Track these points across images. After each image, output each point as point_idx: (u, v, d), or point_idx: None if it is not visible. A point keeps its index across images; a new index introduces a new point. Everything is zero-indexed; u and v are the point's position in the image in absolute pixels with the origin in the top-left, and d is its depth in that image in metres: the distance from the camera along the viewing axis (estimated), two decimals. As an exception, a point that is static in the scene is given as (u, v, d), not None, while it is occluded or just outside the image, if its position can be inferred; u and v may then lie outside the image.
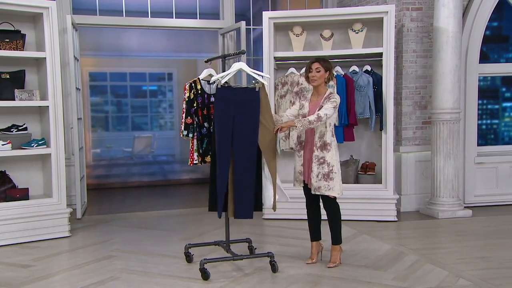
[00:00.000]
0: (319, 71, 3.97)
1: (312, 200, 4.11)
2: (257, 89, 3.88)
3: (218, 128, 3.81)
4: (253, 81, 3.93)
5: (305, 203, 4.17)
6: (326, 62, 4.02)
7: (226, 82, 3.90)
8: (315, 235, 4.18)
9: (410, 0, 6.09)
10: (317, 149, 3.96)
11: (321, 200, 4.10)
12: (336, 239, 4.07)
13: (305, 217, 4.20)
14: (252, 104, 3.85)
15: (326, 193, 3.95)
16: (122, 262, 4.24)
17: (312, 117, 3.82)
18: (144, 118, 12.59)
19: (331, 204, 4.02)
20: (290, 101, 5.83)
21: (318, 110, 3.92)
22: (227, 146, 3.80)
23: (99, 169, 10.36)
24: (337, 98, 3.96)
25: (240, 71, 3.99)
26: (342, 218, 4.09)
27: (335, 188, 3.95)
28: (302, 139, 4.06)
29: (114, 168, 10.53)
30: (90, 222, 5.79)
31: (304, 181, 4.08)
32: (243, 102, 3.84)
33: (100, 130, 11.95)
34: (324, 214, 4.10)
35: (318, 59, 4.03)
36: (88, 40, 8.93)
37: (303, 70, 5.79)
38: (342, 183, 4.08)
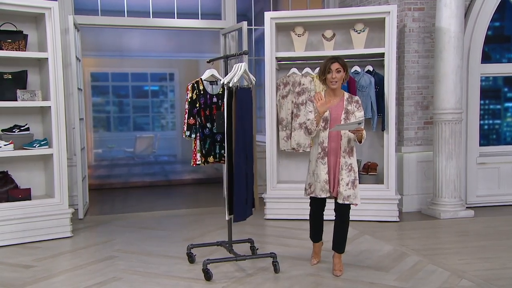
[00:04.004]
0: (339, 72, 3.68)
1: (322, 207, 3.95)
2: (251, 89, 3.89)
3: (237, 128, 3.75)
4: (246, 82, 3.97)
5: (308, 204, 4.02)
6: (343, 61, 3.74)
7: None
8: (320, 237, 4.12)
9: (412, 0, 6.08)
10: (346, 155, 3.71)
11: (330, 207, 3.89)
12: (343, 248, 3.91)
13: (306, 217, 4.14)
14: (250, 103, 3.88)
15: (354, 202, 3.73)
16: (124, 262, 4.24)
17: (364, 133, 3.66)
18: (145, 119, 12.61)
19: (348, 212, 3.81)
20: (292, 102, 5.83)
21: (345, 114, 3.72)
22: (243, 146, 3.79)
23: (101, 170, 10.39)
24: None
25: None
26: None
27: (358, 195, 3.77)
28: (325, 144, 3.73)
29: (115, 169, 10.55)
30: (92, 222, 5.79)
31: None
32: (246, 102, 3.85)
33: (101, 130, 11.98)
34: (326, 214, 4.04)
35: (337, 58, 3.71)
36: (90, 41, 8.95)
37: (304, 70, 5.83)
38: None
